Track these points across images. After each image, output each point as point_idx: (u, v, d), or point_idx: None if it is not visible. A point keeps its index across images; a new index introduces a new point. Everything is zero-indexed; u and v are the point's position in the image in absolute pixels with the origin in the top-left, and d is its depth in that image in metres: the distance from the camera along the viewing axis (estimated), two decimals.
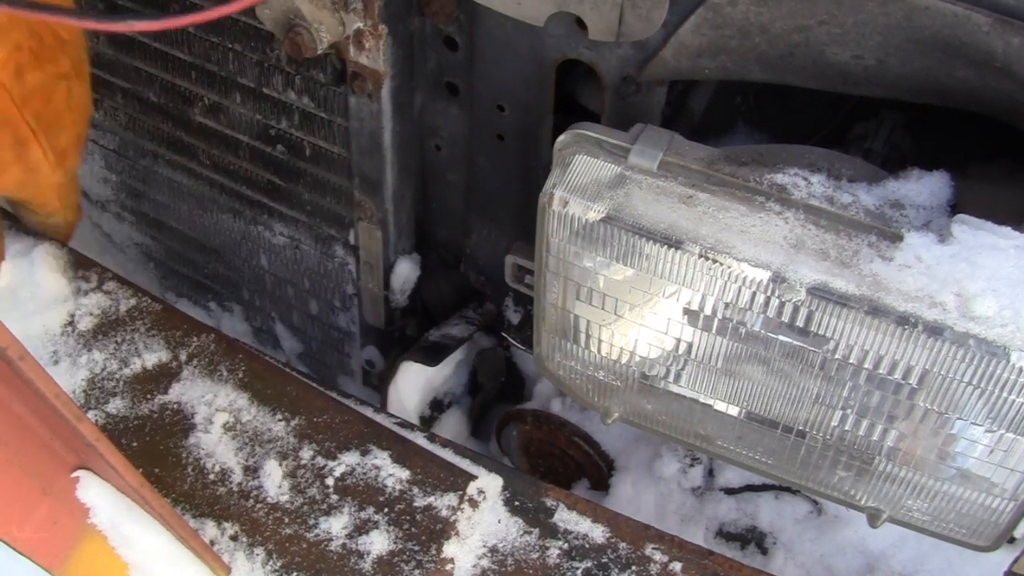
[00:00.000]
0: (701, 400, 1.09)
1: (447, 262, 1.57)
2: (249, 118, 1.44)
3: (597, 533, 1.16)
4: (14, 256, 1.41)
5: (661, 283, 0.99)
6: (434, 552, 1.13)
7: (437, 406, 1.67)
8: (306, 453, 1.21)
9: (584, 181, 0.99)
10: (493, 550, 1.14)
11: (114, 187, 1.81)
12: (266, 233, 1.61)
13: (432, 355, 1.55)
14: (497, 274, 1.40)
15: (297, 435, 1.23)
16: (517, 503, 1.18)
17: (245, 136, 1.47)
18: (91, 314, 1.35)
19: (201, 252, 1.77)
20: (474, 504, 1.17)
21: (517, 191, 1.38)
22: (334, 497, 1.18)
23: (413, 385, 1.59)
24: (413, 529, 1.15)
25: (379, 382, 1.68)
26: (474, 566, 1.13)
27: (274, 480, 1.18)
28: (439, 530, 1.15)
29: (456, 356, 1.61)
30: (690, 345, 1.04)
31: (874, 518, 1.08)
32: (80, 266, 1.40)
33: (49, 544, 0.84)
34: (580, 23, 1.08)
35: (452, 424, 1.70)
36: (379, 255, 1.47)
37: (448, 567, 1.12)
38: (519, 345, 1.45)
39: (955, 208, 0.95)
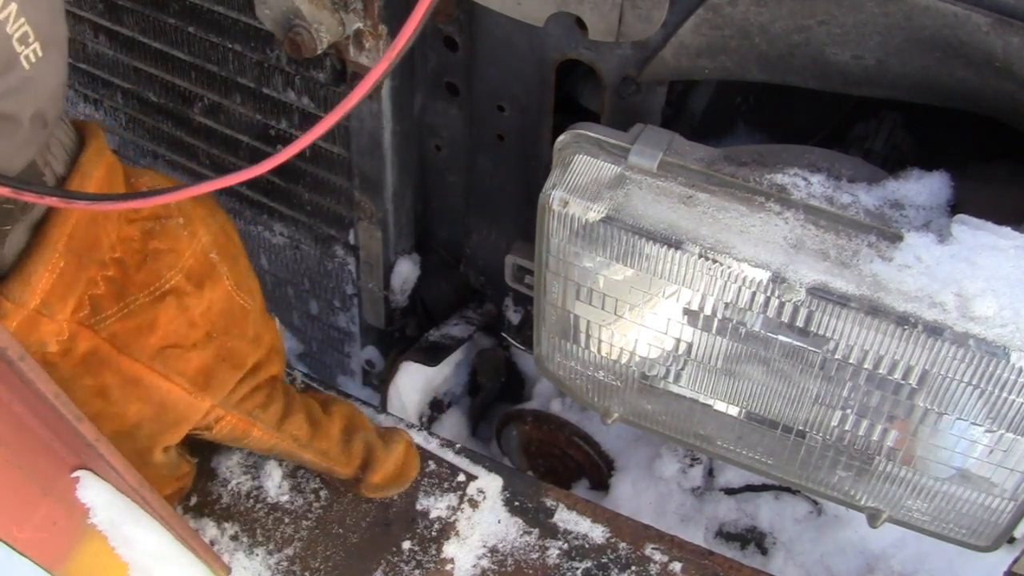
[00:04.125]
0: (701, 400, 1.09)
1: (447, 262, 1.57)
2: (249, 118, 1.43)
3: (597, 533, 1.16)
4: None
5: (661, 283, 0.99)
6: (434, 552, 1.13)
7: (437, 406, 1.67)
8: None
9: (584, 181, 0.99)
10: (493, 550, 1.14)
11: None
12: (266, 233, 1.61)
13: (432, 355, 1.55)
14: (497, 274, 1.40)
15: None
16: (517, 503, 1.18)
17: (245, 136, 1.47)
18: None
19: None
20: (474, 504, 1.17)
21: (517, 191, 1.38)
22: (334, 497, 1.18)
23: (413, 385, 1.59)
24: (413, 529, 1.15)
25: (379, 382, 1.68)
26: (474, 566, 1.13)
27: (274, 480, 1.18)
28: (439, 530, 1.15)
29: (456, 356, 1.61)
30: (690, 345, 1.04)
31: (874, 518, 1.08)
32: None
33: (49, 544, 0.84)
34: (580, 23, 1.08)
35: (452, 424, 1.70)
36: (379, 255, 1.47)
37: (448, 567, 1.12)
38: (519, 345, 1.45)
39: (955, 208, 0.95)
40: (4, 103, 0.79)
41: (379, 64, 0.81)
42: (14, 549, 0.80)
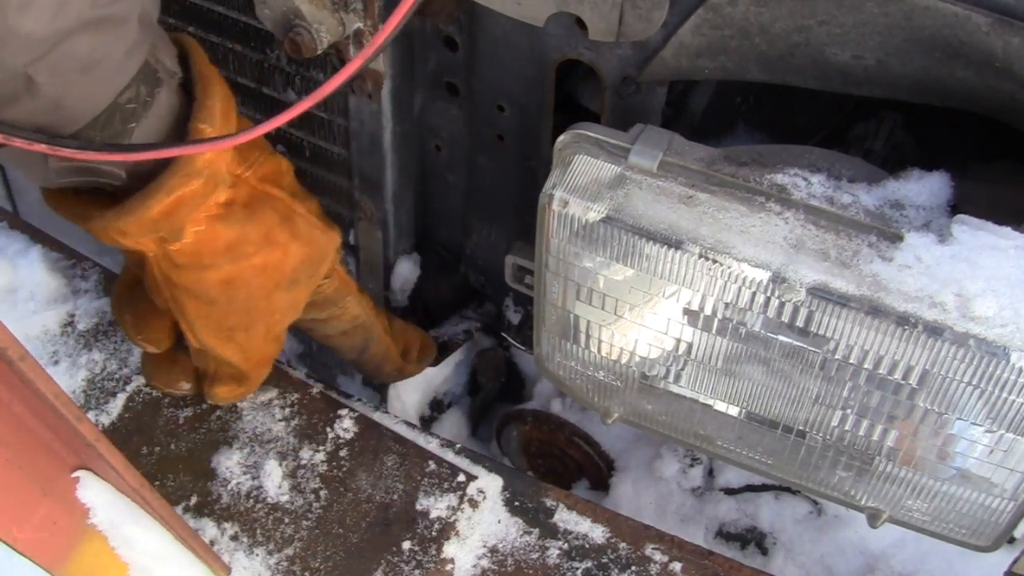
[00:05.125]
0: (701, 400, 1.09)
1: (447, 262, 1.57)
2: (249, 118, 1.43)
3: (597, 533, 1.16)
4: (14, 256, 1.41)
5: (661, 283, 0.99)
6: (434, 552, 1.13)
7: (437, 406, 1.67)
8: (306, 453, 1.21)
9: (584, 181, 0.99)
10: (493, 550, 1.14)
11: None
12: None
13: None
14: (497, 274, 1.40)
15: (297, 435, 1.23)
16: (517, 503, 1.18)
17: None
18: (91, 314, 1.35)
19: None
20: (474, 504, 1.17)
21: (517, 191, 1.38)
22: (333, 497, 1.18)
23: (413, 385, 1.59)
24: (413, 529, 1.15)
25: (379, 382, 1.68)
26: (474, 566, 1.13)
27: (274, 480, 1.18)
28: (439, 530, 1.15)
29: (456, 356, 1.61)
30: (690, 345, 1.04)
31: (874, 518, 1.08)
32: (79, 266, 1.40)
33: (49, 544, 0.84)
34: (580, 23, 1.08)
35: (452, 424, 1.70)
36: (379, 255, 1.47)
37: (448, 567, 1.12)
38: (519, 345, 1.45)
39: (955, 208, 0.95)
40: (115, 7, 0.87)
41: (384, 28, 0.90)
42: (14, 549, 0.80)
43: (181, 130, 1.01)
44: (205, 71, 1.03)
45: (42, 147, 0.88)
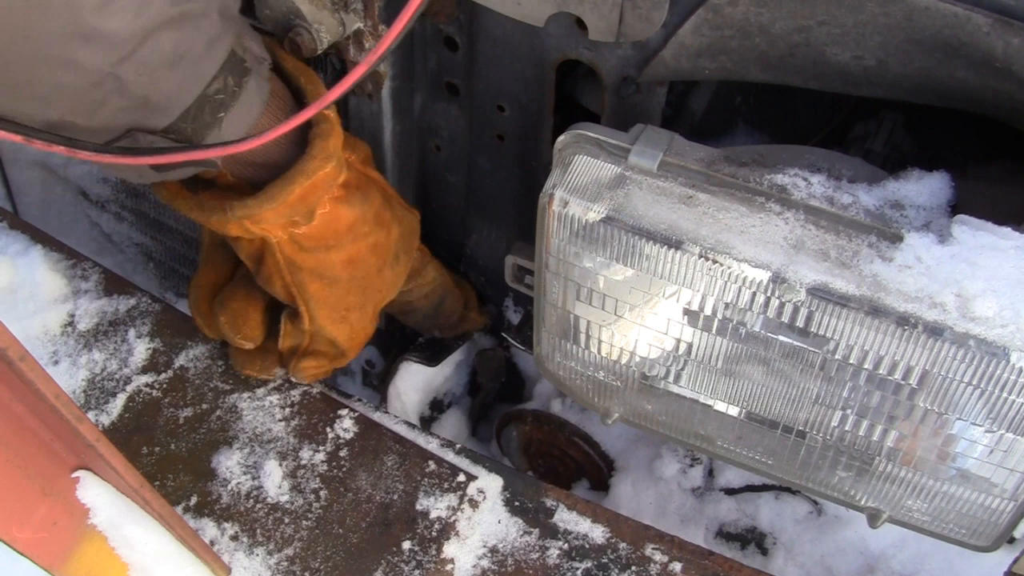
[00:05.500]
0: (701, 400, 1.09)
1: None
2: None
3: (597, 533, 1.16)
4: (14, 256, 1.41)
5: (661, 283, 0.99)
6: (434, 552, 1.13)
7: (437, 406, 1.67)
8: (306, 453, 1.21)
9: (584, 181, 0.99)
10: (493, 550, 1.14)
11: (114, 187, 1.81)
12: None
13: (432, 355, 1.55)
14: (497, 274, 1.40)
15: (297, 435, 1.23)
16: (517, 503, 1.18)
17: None
18: (91, 314, 1.35)
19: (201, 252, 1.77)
20: (474, 504, 1.17)
21: (517, 191, 1.38)
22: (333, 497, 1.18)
23: (413, 385, 1.59)
24: (413, 529, 1.15)
25: (379, 382, 1.68)
26: (474, 566, 1.13)
27: (274, 480, 1.18)
28: (439, 530, 1.15)
29: (456, 356, 1.61)
30: (690, 345, 1.04)
31: (874, 518, 1.08)
32: (79, 266, 1.40)
33: (49, 544, 0.84)
34: (580, 23, 1.08)
35: (452, 424, 1.70)
36: None
37: (448, 567, 1.12)
38: (519, 345, 1.45)
39: (955, 208, 0.95)
40: (194, 3, 0.89)
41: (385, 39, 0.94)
42: (14, 549, 0.80)
43: (275, 114, 1.05)
44: (297, 62, 1.10)
45: (61, 149, 0.88)
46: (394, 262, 1.24)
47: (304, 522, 1.16)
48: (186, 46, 0.90)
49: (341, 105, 1.31)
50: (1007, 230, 0.90)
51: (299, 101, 1.10)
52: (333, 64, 1.27)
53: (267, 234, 1.10)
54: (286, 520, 1.16)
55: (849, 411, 1.00)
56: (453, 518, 1.16)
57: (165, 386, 1.28)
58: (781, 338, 0.97)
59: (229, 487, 1.19)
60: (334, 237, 1.14)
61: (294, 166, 1.05)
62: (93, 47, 0.83)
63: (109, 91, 0.87)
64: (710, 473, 1.48)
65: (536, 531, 1.16)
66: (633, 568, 1.13)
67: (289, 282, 1.16)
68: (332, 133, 1.07)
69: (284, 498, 1.18)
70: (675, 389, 1.10)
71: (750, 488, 1.45)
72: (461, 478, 1.19)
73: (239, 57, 0.99)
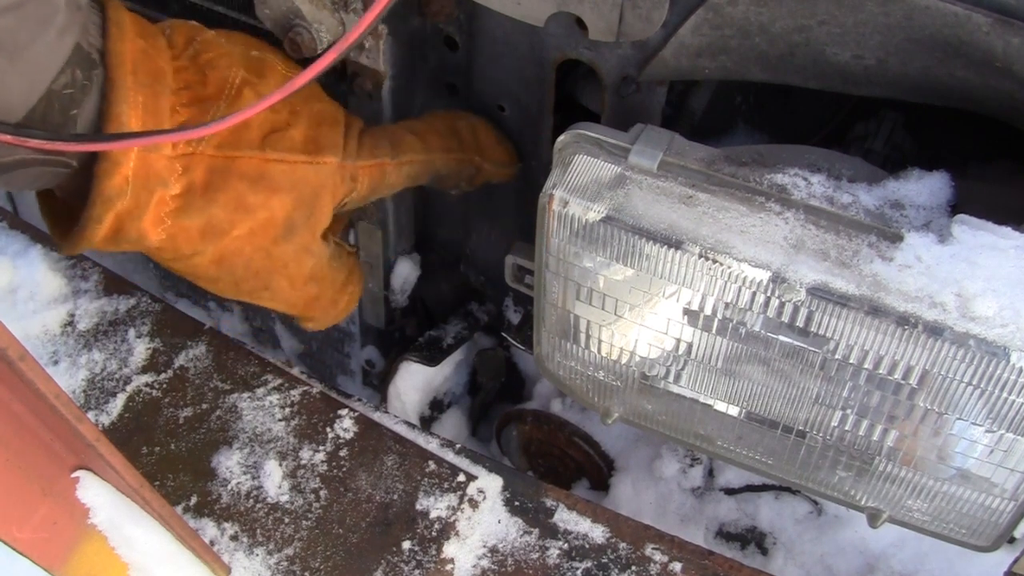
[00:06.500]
0: (701, 400, 1.09)
1: (447, 262, 1.57)
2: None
3: (597, 533, 1.16)
4: (13, 256, 1.41)
5: (661, 283, 0.99)
6: (434, 552, 1.13)
7: (437, 406, 1.67)
8: (306, 453, 1.22)
9: (584, 181, 0.99)
10: (493, 550, 1.14)
11: None
12: None
13: (432, 355, 1.55)
14: (497, 274, 1.40)
15: (297, 435, 1.23)
16: (517, 503, 1.18)
17: None
18: (91, 314, 1.35)
19: None
20: (474, 504, 1.17)
21: (517, 191, 1.38)
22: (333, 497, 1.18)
23: (413, 385, 1.59)
24: (413, 529, 1.15)
25: (379, 382, 1.68)
26: (474, 566, 1.13)
27: (274, 480, 1.18)
28: (439, 530, 1.15)
29: (456, 356, 1.61)
30: (690, 345, 1.04)
31: (874, 518, 1.08)
32: (79, 266, 1.40)
33: (49, 544, 0.84)
34: (580, 23, 1.08)
35: (452, 424, 1.70)
36: (379, 255, 1.47)
37: (448, 567, 1.12)
38: (519, 345, 1.45)
39: (955, 208, 0.95)
40: None
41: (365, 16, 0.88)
42: (14, 549, 0.80)
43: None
44: (113, 63, 0.95)
45: (8, 138, 0.85)
46: (288, 234, 1.08)
47: (304, 522, 1.16)
48: (28, 36, 0.83)
49: (340, 105, 1.31)
50: (1007, 230, 0.90)
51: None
52: (333, 64, 1.26)
53: (125, 250, 1.04)
54: (286, 520, 1.16)
55: (849, 411, 1.00)
56: (453, 518, 1.16)
57: (165, 386, 1.28)
58: (781, 338, 0.97)
59: (229, 487, 1.19)
60: (189, 246, 1.04)
61: (84, 211, 0.95)
62: None
63: None
64: (710, 473, 1.48)
65: (536, 531, 1.16)
66: (633, 568, 1.13)
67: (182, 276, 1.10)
68: (113, 171, 0.94)
69: (284, 498, 1.18)
70: (675, 389, 1.10)
71: (750, 488, 1.45)
72: (461, 478, 1.19)
73: (86, 51, 0.91)
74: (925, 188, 0.96)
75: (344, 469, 1.20)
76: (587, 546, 1.15)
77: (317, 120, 1.10)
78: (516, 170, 1.33)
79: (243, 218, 1.04)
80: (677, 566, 1.13)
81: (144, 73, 0.97)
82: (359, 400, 1.29)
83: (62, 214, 1.05)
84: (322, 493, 1.18)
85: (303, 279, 1.15)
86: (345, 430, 1.24)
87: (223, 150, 1.02)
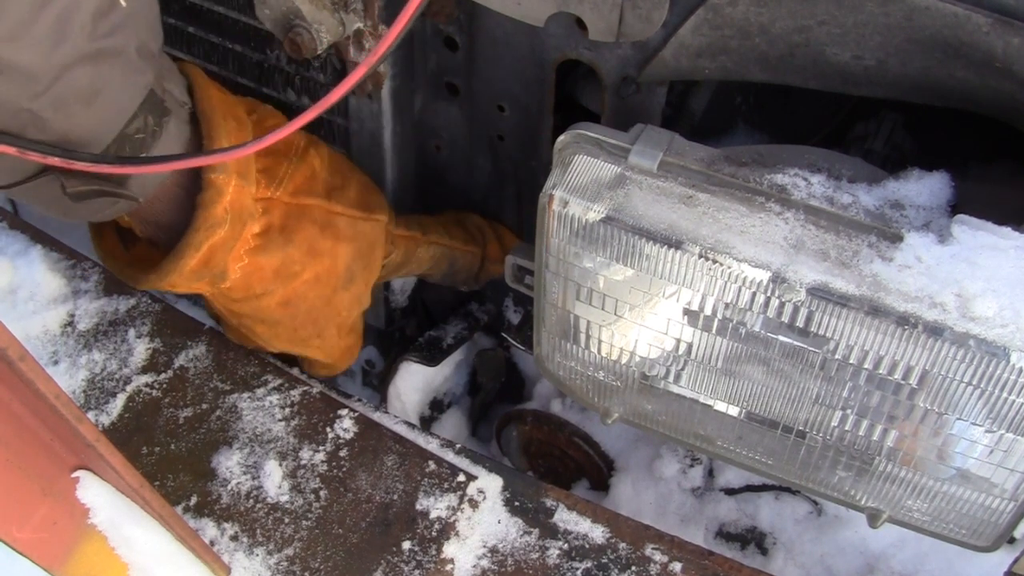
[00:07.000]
0: (701, 400, 1.09)
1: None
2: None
3: (597, 533, 1.16)
4: (13, 256, 1.41)
5: (661, 283, 0.99)
6: (434, 552, 1.13)
7: (437, 406, 1.67)
8: (306, 453, 1.21)
9: (584, 181, 0.99)
10: (493, 550, 1.14)
11: None
12: None
13: (432, 355, 1.55)
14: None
15: (297, 435, 1.23)
16: (517, 503, 1.18)
17: None
18: (91, 314, 1.35)
19: None
20: (474, 504, 1.17)
21: (517, 191, 1.38)
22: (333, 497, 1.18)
23: (413, 385, 1.59)
24: (413, 529, 1.15)
25: (379, 382, 1.68)
26: (474, 566, 1.13)
27: (274, 480, 1.18)
28: (439, 530, 1.15)
29: (456, 356, 1.61)
30: (690, 345, 1.04)
31: (874, 518, 1.08)
32: (79, 266, 1.40)
33: (49, 544, 0.84)
34: (580, 23, 1.08)
35: (452, 424, 1.70)
36: None
37: (448, 567, 1.12)
38: (519, 345, 1.45)
39: (955, 208, 0.95)
40: (112, 40, 0.88)
41: (383, 41, 0.92)
42: (14, 549, 0.80)
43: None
44: (208, 108, 1.04)
45: (56, 160, 0.87)
46: (347, 284, 1.19)
47: (304, 522, 1.16)
48: (103, 83, 0.88)
49: (341, 105, 1.31)
50: (1007, 230, 0.90)
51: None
52: (333, 64, 1.27)
53: (194, 291, 1.08)
54: (286, 520, 1.16)
55: (849, 411, 1.00)
56: (453, 518, 1.16)
57: (165, 386, 1.28)
58: (781, 338, 0.97)
59: (229, 487, 1.19)
60: (260, 285, 1.11)
61: (182, 239, 1.02)
62: (6, 81, 0.81)
63: (26, 126, 0.85)
64: (710, 473, 1.48)
65: (536, 531, 1.16)
66: (633, 568, 1.13)
67: (236, 325, 1.17)
68: (217, 200, 1.02)
69: (284, 498, 1.18)
70: (675, 389, 1.10)
71: (750, 488, 1.45)
72: (461, 478, 1.19)
73: (159, 98, 0.97)
74: (925, 188, 0.96)
75: (344, 469, 1.20)
76: (587, 546, 1.15)
77: (366, 186, 1.23)
78: None
79: (312, 262, 1.13)
80: (677, 566, 1.13)
81: (232, 119, 1.06)
82: (359, 400, 1.29)
83: (119, 253, 1.12)
84: (322, 493, 1.18)
85: (348, 328, 1.24)
86: (345, 430, 1.24)
87: (297, 197, 1.12)
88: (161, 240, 1.07)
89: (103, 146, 0.92)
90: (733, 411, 1.08)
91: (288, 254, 1.11)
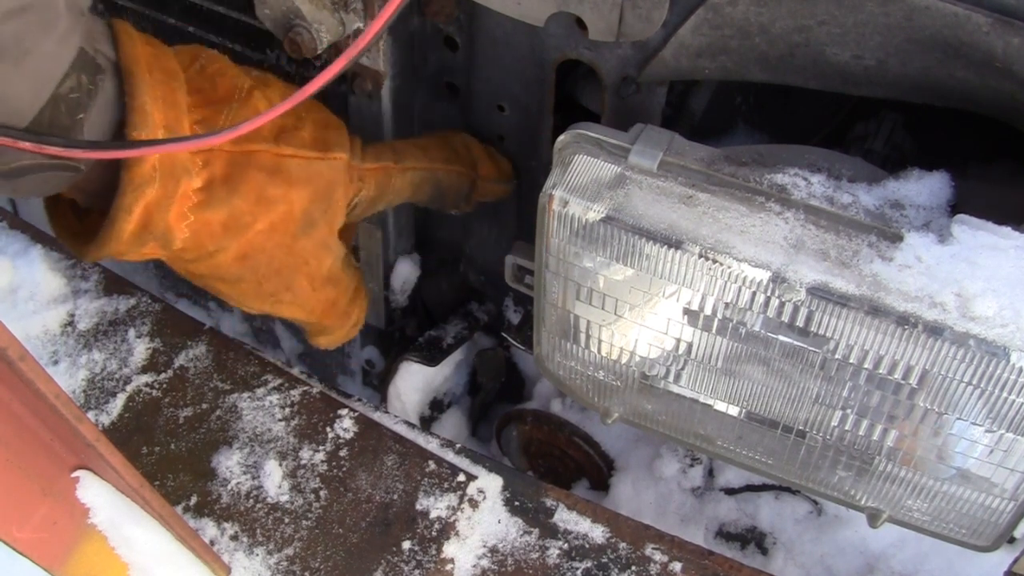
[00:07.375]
0: (701, 400, 1.09)
1: (447, 262, 1.57)
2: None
3: (597, 533, 1.16)
4: (13, 256, 1.41)
5: (661, 283, 0.99)
6: (434, 552, 1.13)
7: (437, 406, 1.67)
8: (306, 453, 1.21)
9: (584, 181, 0.99)
10: (493, 550, 1.14)
11: None
12: None
13: (432, 355, 1.55)
14: (497, 274, 1.39)
15: (297, 435, 1.23)
16: (517, 503, 1.18)
17: None
18: (91, 314, 1.35)
19: None
20: (474, 504, 1.17)
21: (517, 191, 1.38)
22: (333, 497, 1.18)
23: (413, 385, 1.59)
24: (413, 529, 1.15)
25: (379, 382, 1.68)
26: (474, 566, 1.13)
27: (274, 480, 1.18)
28: (439, 530, 1.15)
29: (456, 356, 1.61)
30: (690, 345, 1.04)
31: (874, 518, 1.08)
32: (79, 266, 1.40)
33: (49, 544, 0.84)
34: (580, 23, 1.08)
35: (452, 424, 1.70)
36: (379, 255, 1.47)
37: (448, 567, 1.12)
38: (519, 345, 1.45)
39: (955, 208, 0.95)
40: None
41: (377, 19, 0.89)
42: (14, 549, 0.80)
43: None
44: (130, 62, 0.97)
45: (28, 145, 0.86)
46: (308, 229, 1.11)
47: (304, 522, 1.16)
48: (31, 41, 0.85)
49: (341, 105, 1.31)
50: (1007, 230, 0.90)
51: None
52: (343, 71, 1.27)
53: (147, 257, 1.05)
54: (286, 520, 1.16)
55: (849, 411, 1.00)
56: (453, 518, 1.16)
57: (165, 386, 1.28)
58: (781, 338, 0.97)
59: (229, 487, 1.19)
60: (212, 242, 1.05)
61: (113, 204, 0.97)
62: None
63: None
64: (710, 473, 1.48)
65: (536, 531, 1.16)
66: (633, 568, 1.13)
67: (201, 286, 1.12)
68: (142, 159, 0.96)
69: (284, 498, 1.18)
70: (675, 389, 1.10)
71: (750, 488, 1.45)
72: (461, 478, 1.19)
73: (90, 56, 0.93)
74: (925, 188, 0.96)
75: (344, 469, 1.20)
76: (587, 546, 1.15)
77: (323, 124, 1.14)
78: (512, 187, 1.36)
79: (264, 211, 1.06)
80: (677, 566, 1.13)
81: (159, 71, 0.99)
82: (359, 400, 1.29)
83: (74, 227, 1.07)
84: (322, 493, 1.18)
85: (322, 279, 1.17)
86: (345, 430, 1.24)
87: (240, 144, 1.05)
88: (97, 207, 1.01)
89: (37, 108, 0.88)
90: (733, 411, 1.08)
91: (235, 205, 1.04)
